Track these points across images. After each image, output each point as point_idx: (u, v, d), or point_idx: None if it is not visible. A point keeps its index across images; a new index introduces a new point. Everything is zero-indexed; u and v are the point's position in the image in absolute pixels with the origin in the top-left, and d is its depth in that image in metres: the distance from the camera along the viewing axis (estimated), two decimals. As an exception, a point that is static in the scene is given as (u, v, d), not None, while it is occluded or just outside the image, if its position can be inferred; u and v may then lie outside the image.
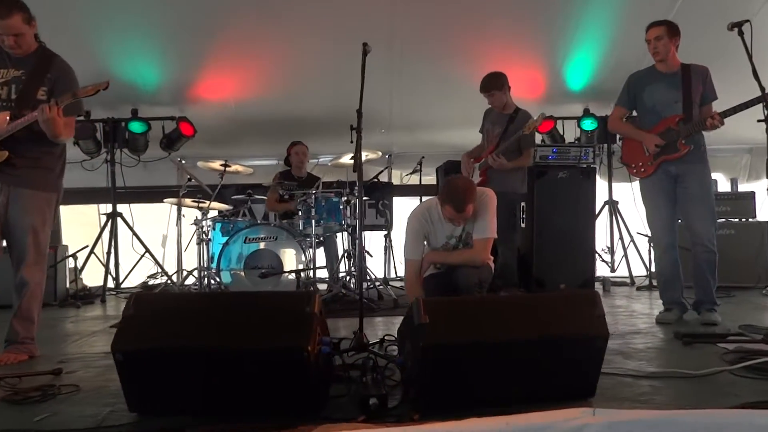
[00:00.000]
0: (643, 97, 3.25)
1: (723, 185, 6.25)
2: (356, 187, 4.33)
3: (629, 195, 6.26)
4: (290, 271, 3.85)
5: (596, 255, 5.95)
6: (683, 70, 3.19)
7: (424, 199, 4.14)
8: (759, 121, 2.86)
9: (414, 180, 5.89)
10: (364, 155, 4.42)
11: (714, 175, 6.29)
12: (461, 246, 2.87)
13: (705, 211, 3.14)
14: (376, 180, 5.43)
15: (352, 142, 2.66)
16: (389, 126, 5.98)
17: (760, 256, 4.63)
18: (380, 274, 6.31)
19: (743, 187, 6.51)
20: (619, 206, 5.57)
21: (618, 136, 5.55)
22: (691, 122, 3.10)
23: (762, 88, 2.76)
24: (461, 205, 2.66)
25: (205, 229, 4.24)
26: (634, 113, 3.43)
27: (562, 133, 5.64)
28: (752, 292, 4.44)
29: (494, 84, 4.10)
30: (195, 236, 4.16)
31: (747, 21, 2.75)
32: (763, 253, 4.64)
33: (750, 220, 4.78)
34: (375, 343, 2.35)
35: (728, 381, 2.07)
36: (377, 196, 5.98)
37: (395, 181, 6.38)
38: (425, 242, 2.95)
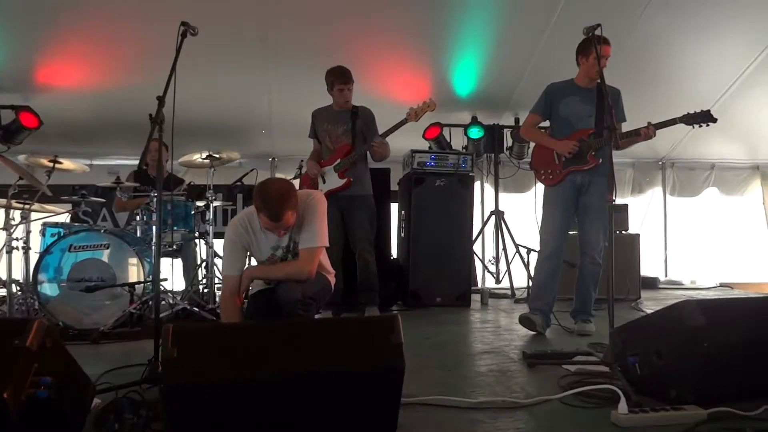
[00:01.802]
0: (559, 108, 3.28)
1: (607, 198, 6.37)
2: (210, 192, 3.97)
3: (515, 205, 6.41)
4: (121, 285, 3.36)
5: (474, 266, 5.91)
6: (598, 87, 3.22)
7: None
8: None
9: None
10: (224, 155, 4.04)
11: None
12: (290, 258, 2.56)
13: (600, 224, 3.18)
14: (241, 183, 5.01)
15: (153, 137, 2.25)
16: (270, 127, 5.62)
17: (630, 269, 4.67)
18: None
19: (627, 200, 6.72)
20: (505, 216, 5.48)
21: (514, 144, 5.56)
22: (602, 137, 3.12)
23: (606, 92, 2.74)
24: (277, 213, 2.33)
25: (21, 235, 3.63)
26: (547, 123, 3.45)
27: (449, 140, 5.49)
28: (621, 304, 4.45)
29: (351, 76, 3.91)
30: (5, 245, 3.55)
31: (598, 25, 2.69)
32: (633, 265, 4.68)
33: (623, 232, 4.80)
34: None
35: (554, 410, 1.89)
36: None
37: (279, 186, 6.01)
38: (248, 255, 2.61)
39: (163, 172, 4.38)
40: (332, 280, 2.70)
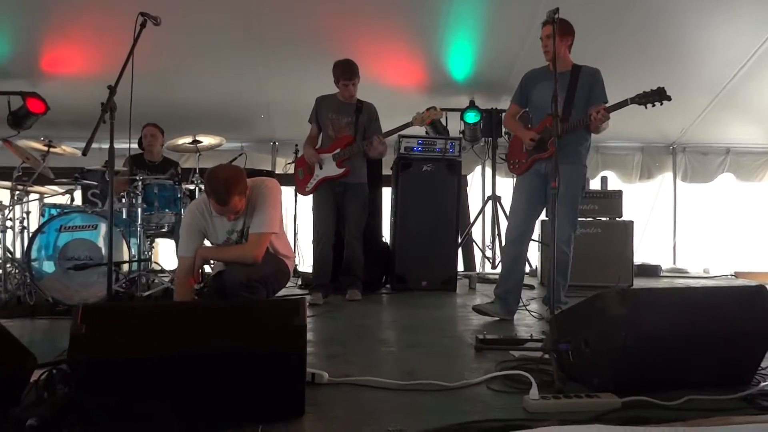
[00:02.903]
0: (533, 95, 3.28)
1: (615, 183, 6.26)
2: (196, 176, 4.09)
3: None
4: (105, 264, 3.51)
5: (473, 251, 5.92)
6: (573, 70, 3.19)
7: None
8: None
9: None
10: (206, 141, 4.14)
11: (606, 174, 6.39)
12: (244, 242, 2.65)
13: (565, 212, 3.14)
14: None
15: (104, 122, 2.35)
16: (269, 112, 5.70)
17: (623, 256, 4.60)
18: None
19: (636, 186, 6.59)
20: (502, 201, 5.45)
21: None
22: (568, 122, 3.09)
23: (556, 79, 2.70)
24: (223, 197, 2.43)
25: (17, 216, 3.84)
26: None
27: (445, 124, 5.47)
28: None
29: (357, 71, 3.94)
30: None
31: (557, 9, 2.65)
32: (626, 252, 4.61)
33: (617, 219, 4.74)
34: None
35: (475, 394, 1.93)
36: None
37: (279, 170, 6.11)
38: (204, 238, 2.71)
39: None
40: (291, 264, 2.77)
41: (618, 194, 4.78)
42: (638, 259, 5.99)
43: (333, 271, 4.03)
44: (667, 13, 4.73)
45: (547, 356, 2.21)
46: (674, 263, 6.49)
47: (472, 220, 5.82)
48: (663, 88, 2.87)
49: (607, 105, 2.99)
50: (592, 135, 3.26)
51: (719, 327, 1.89)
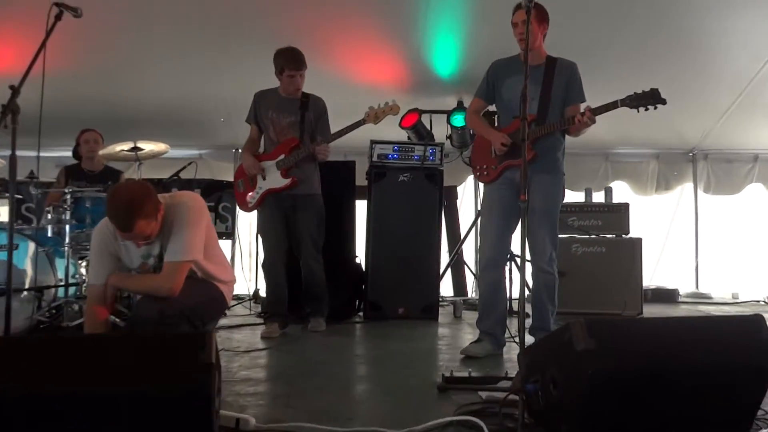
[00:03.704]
0: (502, 90, 3.24)
1: (625, 195, 6.24)
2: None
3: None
4: (27, 289, 3.47)
5: (464, 274, 5.87)
6: (548, 63, 3.16)
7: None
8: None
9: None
10: (148, 147, 4.12)
11: (618, 184, 6.38)
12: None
13: (545, 229, 3.12)
14: (188, 179, 5.09)
15: (6, 126, 2.32)
16: (230, 115, 5.69)
17: (630, 279, 4.57)
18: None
19: (652, 199, 6.56)
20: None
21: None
22: (544, 124, 3.06)
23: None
24: (125, 222, 2.38)
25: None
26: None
27: (430, 128, 5.45)
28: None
29: (305, 61, 3.88)
30: None
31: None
32: (633, 275, 4.58)
33: (623, 236, 4.73)
34: None
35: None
36: (215, 198, 5.70)
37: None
38: (118, 261, 2.67)
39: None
40: (229, 289, 2.74)
41: (624, 207, 4.78)
42: (654, 282, 6.00)
43: (293, 297, 3.99)
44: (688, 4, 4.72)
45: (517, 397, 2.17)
46: (696, 287, 6.43)
47: (462, 237, 5.80)
48: (656, 89, 2.86)
49: (594, 107, 2.97)
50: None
51: (708, 362, 1.85)
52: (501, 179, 3.19)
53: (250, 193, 3.94)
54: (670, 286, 5.99)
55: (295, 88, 3.88)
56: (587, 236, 4.74)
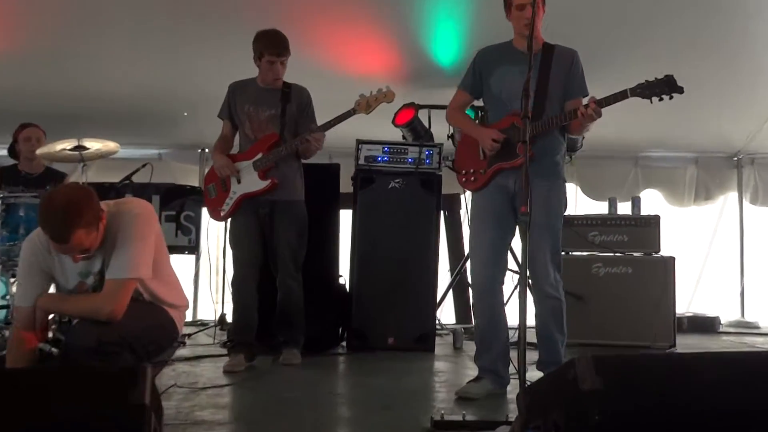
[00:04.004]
0: (491, 81, 3.24)
1: (659, 206, 6.25)
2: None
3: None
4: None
5: (450, 294, 5.85)
6: (545, 51, 3.17)
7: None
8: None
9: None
10: (94, 146, 4.12)
11: (651, 193, 6.40)
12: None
13: (546, 246, 3.11)
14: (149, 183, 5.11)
15: None
16: (194, 109, 5.71)
17: (661, 305, 4.55)
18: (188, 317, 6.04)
19: (690, 210, 6.57)
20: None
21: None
22: (541, 120, 3.06)
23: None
24: (60, 231, 2.37)
25: None
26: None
27: (428, 126, 5.45)
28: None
29: (287, 44, 3.90)
30: None
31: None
32: (665, 300, 4.57)
33: (654, 254, 4.72)
34: None
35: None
36: (177, 206, 5.71)
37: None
38: (51, 280, 2.66)
39: (36, 166, 4.59)
40: (180, 315, 2.74)
41: (654, 221, 4.79)
42: (691, 309, 6.00)
43: (264, 323, 3.98)
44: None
45: (515, 445, 2.16)
46: (742, 315, 6.44)
47: (467, 254, 5.79)
48: (671, 76, 2.86)
49: (602, 97, 2.96)
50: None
51: (748, 406, 1.84)
52: (491, 186, 3.18)
53: (224, 200, 3.95)
54: (710, 313, 5.98)
55: (274, 77, 3.91)
56: (611, 254, 4.71)
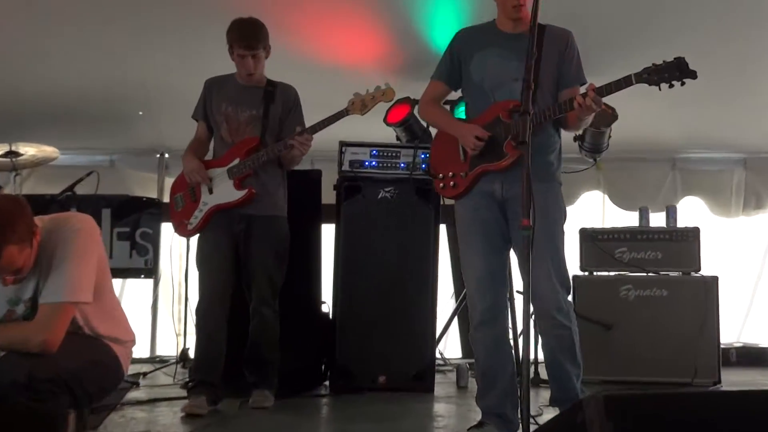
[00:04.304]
0: (471, 68, 3.25)
1: (702, 216, 6.25)
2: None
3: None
4: None
5: (456, 322, 5.85)
6: (536, 32, 3.11)
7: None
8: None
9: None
10: (29, 152, 4.14)
11: (691, 201, 6.39)
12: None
13: (548, 263, 3.07)
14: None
15: None
16: (151, 108, 5.73)
17: (703, 334, 4.53)
18: (145, 352, 6.02)
19: (738, 221, 6.56)
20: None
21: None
22: (534, 113, 2.96)
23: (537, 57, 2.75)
24: None
25: None
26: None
27: (426, 125, 5.45)
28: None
29: (263, 36, 3.93)
30: None
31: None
32: (708, 328, 4.55)
33: (693, 274, 4.71)
34: None
35: None
36: (132, 221, 5.72)
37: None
38: None
39: None
40: (124, 352, 2.76)
41: (693, 234, 4.79)
42: (741, 338, 5.97)
43: (232, 360, 3.96)
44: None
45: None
46: (801, 344, 6.42)
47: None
48: (683, 58, 2.84)
49: (602, 85, 2.95)
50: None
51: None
52: (475, 192, 3.17)
53: (192, 212, 3.98)
54: (762, 343, 5.98)
55: (247, 72, 3.95)
56: (642, 274, 4.71)
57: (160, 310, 5.93)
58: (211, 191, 3.94)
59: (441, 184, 3.31)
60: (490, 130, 3.08)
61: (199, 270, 4.02)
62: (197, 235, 4.05)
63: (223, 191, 3.91)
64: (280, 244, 3.99)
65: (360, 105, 3.87)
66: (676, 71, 2.85)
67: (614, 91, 2.94)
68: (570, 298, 3.20)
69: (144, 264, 5.80)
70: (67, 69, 5.33)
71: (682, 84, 2.85)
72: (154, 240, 5.78)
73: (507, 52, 3.14)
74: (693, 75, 2.83)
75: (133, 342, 2.92)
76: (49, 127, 5.09)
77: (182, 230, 4.09)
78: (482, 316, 3.17)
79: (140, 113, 5.80)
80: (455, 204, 3.30)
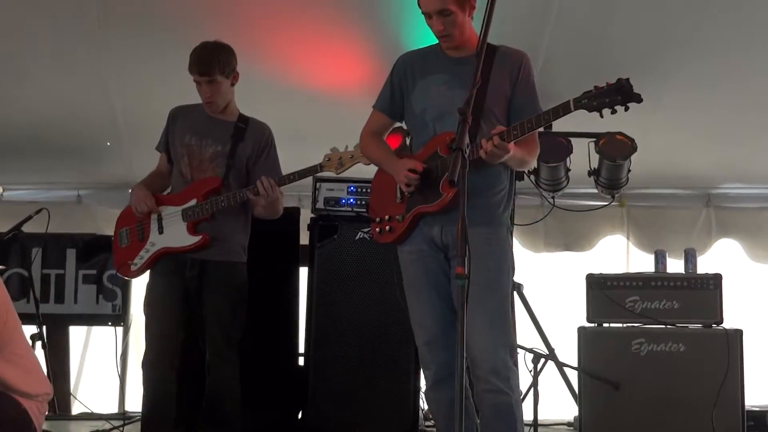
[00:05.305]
0: (412, 98, 3.26)
1: (739, 261, 6.20)
2: None
3: (560, 270, 6.32)
4: None
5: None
6: (484, 54, 3.06)
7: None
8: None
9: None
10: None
11: (725, 244, 6.38)
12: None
13: (488, 319, 3.03)
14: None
15: None
16: (119, 138, 5.82)
17: (725, 395, 4.44)
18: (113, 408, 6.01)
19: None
20: (524, 291, 5.36)
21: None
22: (471, 149, 2.98)
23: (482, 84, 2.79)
24: None
25: None
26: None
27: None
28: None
29: (220, 60, 3.95)
30: None
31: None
32: (732, 387, 4.46)
33: (714, 326, 4.64)
34: None
35: None
36: (99, 263, 5.78)
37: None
38: None
39: None
40: (35, 408, 2.75)
41: (714, 281, 4.72)
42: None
43: (185, 417, 3.98)
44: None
45: None
46: None
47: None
48: (626, 80, 2.80)
49: (511, 125, 2.96)
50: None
51: None
52: (415, 237, 3.18)
53: (137, 251, 4.00)
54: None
55: (205, 101, 3.99)
56: (657, 327, 4.66)
57: (129, 361, 5.91)
58: (161, 231, 3.97)
59: (377, 229, 3.31)
60: (431, 164, 3.08)
61: (145, 315, 4.06)
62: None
63: (175, 234, 3.93)
64: (236, 293, 3.98)
65: (336, 163, 3.91)
66: (617, 95, 2.80)
67: (543, 125, 2.97)
68: (513, 363, 3.13)
69: (112, 310, 5.82)
70: (30, 96, 5.47)
71: (626, 109, 2.80)
72: (124, 284, 5.78)
73: (451, 78, 3.15)
74: (638, 99, 2.77)
75: (47, 395, 2.87)
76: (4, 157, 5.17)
77: (125, 270, 4.12)
78: (436, 375, 3.15)
79: (108, 144, 5.88)
80: (398, 252, 3.32)
